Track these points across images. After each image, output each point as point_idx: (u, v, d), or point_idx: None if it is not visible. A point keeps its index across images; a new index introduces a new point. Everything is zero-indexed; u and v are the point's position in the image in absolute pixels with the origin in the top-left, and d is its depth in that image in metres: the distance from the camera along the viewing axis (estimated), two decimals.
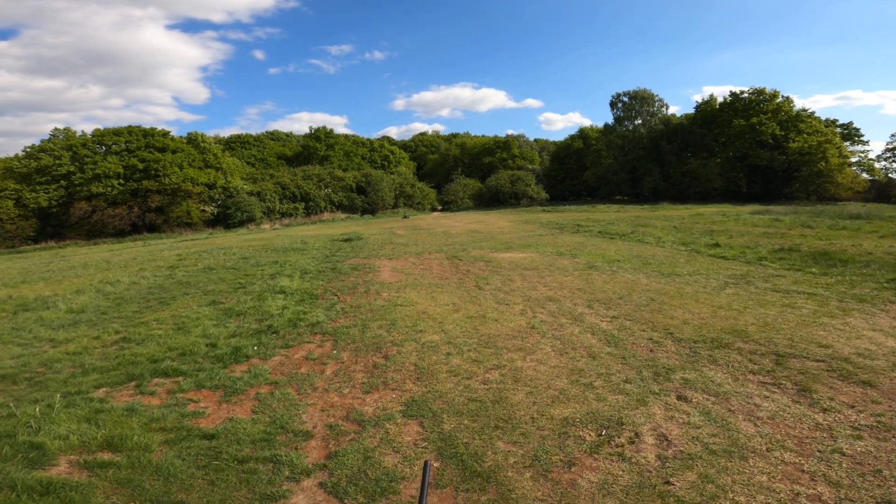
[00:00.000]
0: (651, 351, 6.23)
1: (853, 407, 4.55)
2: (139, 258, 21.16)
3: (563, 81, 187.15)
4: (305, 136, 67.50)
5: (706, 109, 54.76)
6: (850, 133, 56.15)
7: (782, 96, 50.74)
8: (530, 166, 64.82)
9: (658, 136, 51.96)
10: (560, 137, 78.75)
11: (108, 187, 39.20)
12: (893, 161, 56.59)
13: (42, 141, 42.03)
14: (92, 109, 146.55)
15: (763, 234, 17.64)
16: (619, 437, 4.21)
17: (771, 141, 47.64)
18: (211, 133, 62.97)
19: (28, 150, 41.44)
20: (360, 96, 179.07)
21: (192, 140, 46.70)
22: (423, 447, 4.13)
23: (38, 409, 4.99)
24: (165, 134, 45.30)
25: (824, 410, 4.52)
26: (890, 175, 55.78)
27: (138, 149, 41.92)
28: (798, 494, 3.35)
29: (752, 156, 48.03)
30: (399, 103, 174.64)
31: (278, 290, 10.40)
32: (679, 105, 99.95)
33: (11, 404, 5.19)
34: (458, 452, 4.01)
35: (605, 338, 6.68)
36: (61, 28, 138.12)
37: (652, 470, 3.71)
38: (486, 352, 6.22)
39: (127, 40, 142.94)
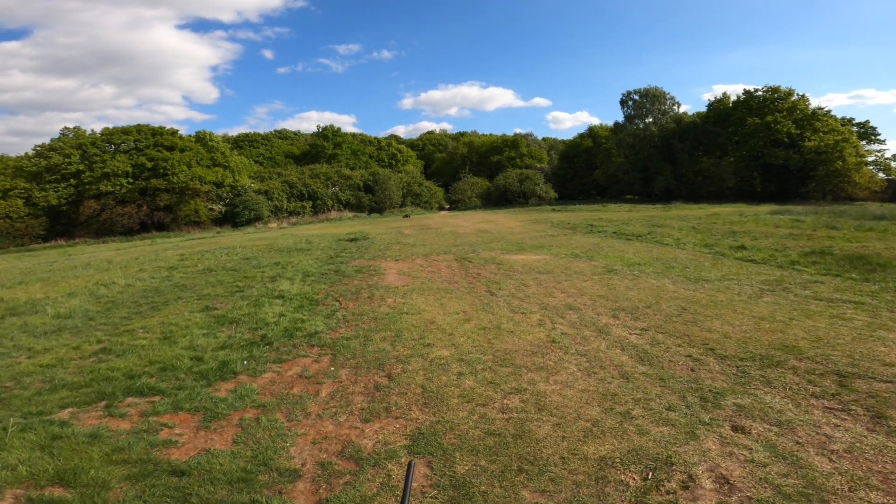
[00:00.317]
0: (692, 370, 5.48)
1: None
2: (142, 258, 20.66)
3: (572, 80, 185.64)
4: (313, 134, 67.09)
5: (719, 108, 53.65)
6: (867, 132, 54.82)
7: (797, 94, 49.55)
8: (539, 165, 63.94)
9: (670, 135, 50.90)
10: (568, 136, 77.69)
11: (116, 186, 39.23)
12: None
13: (52, 140, 42.17)
14: (104, 109, 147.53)
15: (788, 236, 16.75)
16: (669, 481, 3.48)
17: (786, 140, 46.47)
18: (220, 132, 62.69)
19: (38, 148, 41.63)
20: (367, 95, 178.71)
21: (201, 139, 46.64)
22: (432, 496, 3.42)
23: None
24: (174, 133, 45.27)
25: None
26: None
27: (147, 147, 41.96)
28: None
29: (766, 155, 46.91)
30: (407, 102, 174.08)
31: (277, 294, 9.74)
32: (689, 104, 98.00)
33: None
34: None
35: (636, 354, 5.93)
36: (73, 28, 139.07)
37: None
38: (503, 371, 5.49)
39: (138, 40, 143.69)
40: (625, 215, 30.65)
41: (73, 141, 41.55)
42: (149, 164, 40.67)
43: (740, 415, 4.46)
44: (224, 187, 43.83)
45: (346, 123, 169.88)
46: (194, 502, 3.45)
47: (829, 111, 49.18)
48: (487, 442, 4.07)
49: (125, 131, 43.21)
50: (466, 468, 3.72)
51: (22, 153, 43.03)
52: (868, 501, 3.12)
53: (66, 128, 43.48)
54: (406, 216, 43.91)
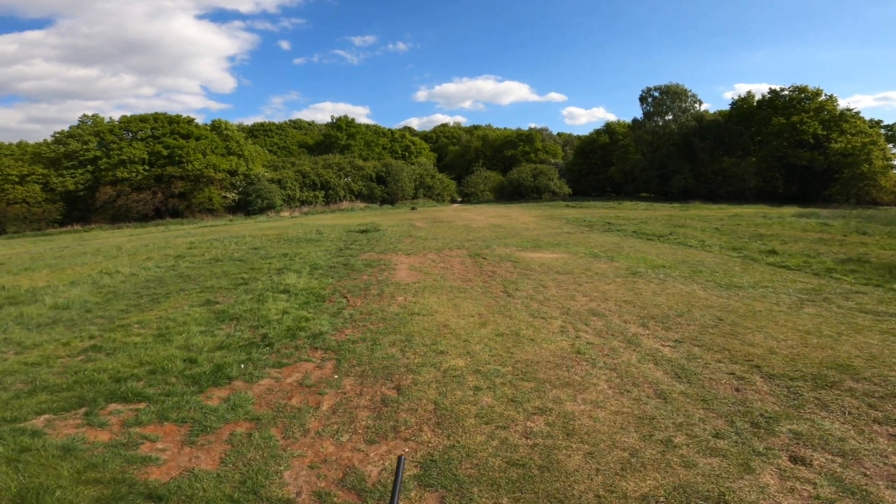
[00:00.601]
0: (737, 390, 4.89)
1: None
2: (151, 245, 20.39)
3: (588, 76, 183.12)
4: (327, 125, 66.64)
5: (742, 106, 52.09)
6: (895, 135, 53.00)
7: (826, 95, 47.93)
8: (553, 160, 62.93)
9: (690, 133, 49.61)
10: (584, 132, 76.26)
11: (132, 172, 39.60)
12: None
13: (70, 127, 42.45)
14: (124, 98, 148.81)
15: (818, 241, 15.93)
16: None
17: (811, 140, 44.99)
18: (236, 121, 62.68)
19: (57, 135, 41.99)
20: (382, 87, 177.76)
21: (216, 127, 46.76)
22: None
23: None
24: (190, 121, 45.40)
25: None
26: None
27: (163, 135, 42.26)
28: None
29: (790, 155, 45.46)
30: (421, 94, 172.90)
31: (282, 288, 9.26)
32: (710, 102, 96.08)
33: None
34: None
35: (672, 370, 5.34)
36: (96, 18, 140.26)
37: None
38: (525, 387, 4.92)
39: (159, 30, 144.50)
40: (642, 214, 29.80)
41: (91, 128, 41.92)
42: (165, 152, 40.92)
43: (798, 443, 3.92)
44: (238, 175, 43.96)
45: (360, 114, 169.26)
46: None
47: (857, 112, 47.56)
48: (510, 474, 3.53)
49: (142, 119, 43.51)
50: None
51: (41, 140, 43.42)
52: None
53: (84, 115, 43.95)
54: (413, 208, 43.46)
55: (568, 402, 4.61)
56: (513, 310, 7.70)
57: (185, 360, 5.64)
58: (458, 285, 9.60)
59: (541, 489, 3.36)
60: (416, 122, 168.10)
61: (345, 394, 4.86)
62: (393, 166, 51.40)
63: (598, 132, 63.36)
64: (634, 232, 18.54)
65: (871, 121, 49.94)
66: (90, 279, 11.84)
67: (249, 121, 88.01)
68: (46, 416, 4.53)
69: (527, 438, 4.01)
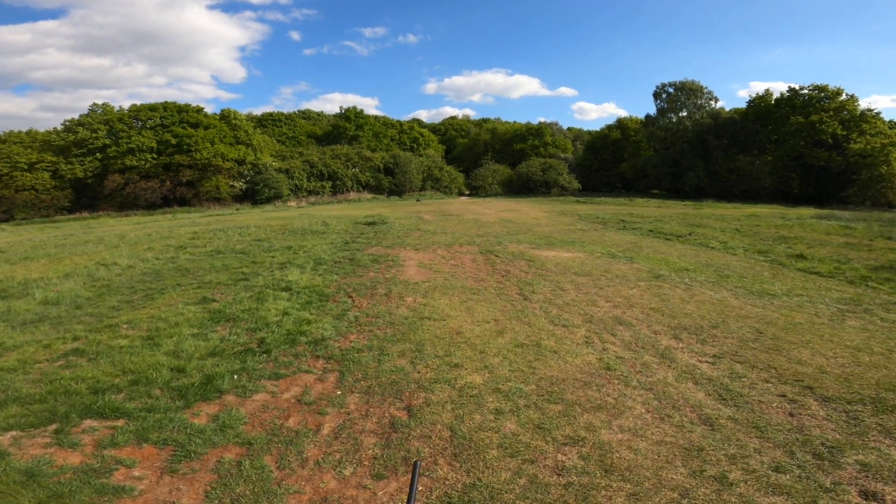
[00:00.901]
0: (791, 415, 4.33)
1: None
2: (154, 234, 19.97)
3: (600, 71, 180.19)
4: (336, 115, 65.93)
5: (760, 104, 50.88)
6: None
7: (846, 94, 46.67)
8: (563, 155, 61.99)
9: (704, 130, 48.54)
10: (594, 127, 75.27)
11: (141, 161, 39.51)
12: None
13: (80, 115, 42.33)
14: (136, 87, 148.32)
15: (845, 245, 15.21)
16: None
17: (830, 140, 43.86)
18: (245, 111, 62.13)
19: (66, 123, 41.97)
20: (391, 79, 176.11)
21: (225, 117, 46.42)
22: None
23: None
24: (199, 110, 45.17)
25: None
26: None
27: (172, 124, 42.09)
28: None
29: (807, 155, 44.36)
30: (430, 87, 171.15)
31: (284, 286, 8.73)
32: (724, 100, 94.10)
33: None
34: None
35: (715, 391, 4.76)
36: (109, 8, 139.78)
37: None
38: (552, 410, 4.36)
39: (171, 20, 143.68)
40: (655, 211, 29.04)
41: (101, 117, 41.85)
42: (173, 141, 40.75)
43: (867, 476, 3.45)
44: (246, 165, 43.67)
45: (369, 106, 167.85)
46: None
47: (878, 113, 46.32)
48: None
49: (152, 108, 43.33)
50: None
51: (52, 128, 43.31)
52: None
53: (94, 104, 43.83)
54: (418, 200, 42.92)
55: (603, 429, 4.04)
56: (531, 315, 7.12)
57: (172, 369, 5.11)
58: (471, 285, 9.04)
59: None
60: (424, 115, 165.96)
61: (348, 414, 4.32)
62: (401, 158, 50.76)
63: (609, 128, 62.29)
64: (651, 231, 17.87)
65: (890, 122, 48.77)
66: (86, 271, 11.37)
67: (259, 111, 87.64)
68: (13, 432, 4.02)
69: (559, 475, 3.45)
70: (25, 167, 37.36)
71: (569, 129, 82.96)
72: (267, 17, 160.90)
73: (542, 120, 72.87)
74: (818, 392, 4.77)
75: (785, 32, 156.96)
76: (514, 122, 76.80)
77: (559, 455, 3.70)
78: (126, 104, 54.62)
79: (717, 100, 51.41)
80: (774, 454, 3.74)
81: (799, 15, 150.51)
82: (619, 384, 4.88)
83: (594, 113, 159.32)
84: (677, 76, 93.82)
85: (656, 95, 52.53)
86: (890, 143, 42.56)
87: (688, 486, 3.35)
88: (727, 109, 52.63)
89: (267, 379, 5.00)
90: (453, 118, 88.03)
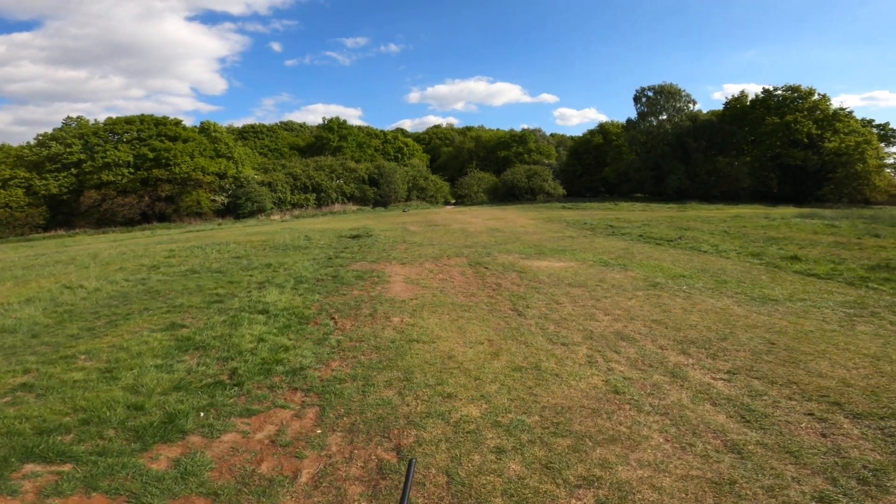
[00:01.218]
0: (824, 436, 3.93)
1: None
2: (128, 253, 19.14)
3: (580, 76, 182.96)
4: (319, 126, 65.35)
5: (736, 106, 51.63)
6: (887, 134, 52.82)
7: (819, 94, 47.59)
8: (547, 161, 62.21)
9: (684, 133, 49.04)
10: (576, 133, 75.63)
11: (118, 176, 38.58)
12: None
13: (54, 129, 41.17)
14: (113, 100, 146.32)
15: (835, 244, 15.08)
16: None
17: (805, 140, 44.61)
18: (226, 123, 61.22)
19: (39, 137, 40.71)
20: (374, 89, 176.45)
21: (205, 129, 45.51)
22: None
23: None
24: (177, 123, 44.22)
25: None
26: None
27: (150, 138, 41.17)
28: None
29: (784, 155, 45.03)
30: (413, 96, 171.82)
31: (260, 308, 8.14)
32: (700, 102, 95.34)
33: None
34: None
35: (736, 412, 4.33)
36: (85, 19, 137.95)
37: None
38: (560, 445, 3.87)
39: (148, 32, 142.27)
40: (642, 215, 28.95)
41: (76, 130, 40.80)
42: (151, 155, 39.86)
43: None
44: (227, 178, 42.82)
45: (353, 116, 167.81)
46: None
47: (850, 111, 47.29)
48: None
49: (128, 121, 42.37)
50: None
51: (25, 143, 42.06)
52: None
53: (68, 117, 42.78)
54: (404, 210, 42.44)
55: (619, 465, 3.57)
56: (527, 333, 6.65)
57: (129, 406, 4.52)
58: (461, 301, 8.55)
59: None
60: (408, 124, 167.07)
61: (330, 457, 3.78)
62: (385, 168, 50.29)
63: (591, 132, 62.68)
64: (640, 236, 17.60)
65: (863, 120, 49.75)
66: (49, 295, 10.65)
67: (240, 123, 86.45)
68: None
69: None
70: None
71: (552, 135, 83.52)
72: (247, 29, 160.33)
73: (525, 126, 73.01)
74: (847, 408, 4.38)
75: (756, 35, 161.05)
76: (498, 130, 77.00)
77: (573, 501, 3.21)
78: (102, 117, 53.53)
79: (695, 102, 52.10)
80: (815, 482, 3.32)
81: (770, 17, 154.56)
82: (630, 410, 4.42)
83: (576, 118, 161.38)
84: (655, 80, 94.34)
85: (636, 99, 52.98)
86: (864, 140, 43.42)
87: None
88: (705, 112, 53.31)
89: (238, 416, 4.43)
90: (437, 127, 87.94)
